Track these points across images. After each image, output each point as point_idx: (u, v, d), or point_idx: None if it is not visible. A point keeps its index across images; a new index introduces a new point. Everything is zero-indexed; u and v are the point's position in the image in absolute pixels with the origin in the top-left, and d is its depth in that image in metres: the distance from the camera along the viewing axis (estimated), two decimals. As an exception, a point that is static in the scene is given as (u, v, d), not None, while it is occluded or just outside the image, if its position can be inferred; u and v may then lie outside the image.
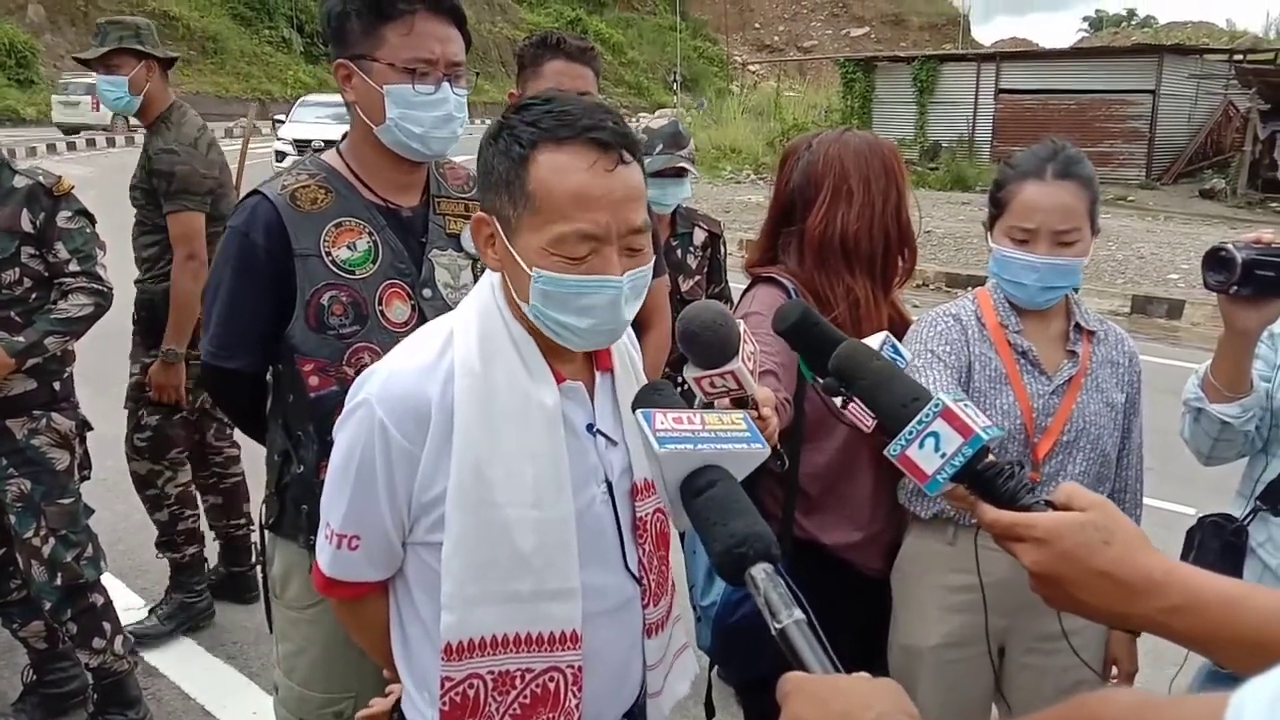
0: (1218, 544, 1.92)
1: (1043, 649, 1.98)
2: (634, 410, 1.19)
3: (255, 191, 1.86)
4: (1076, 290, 2.00)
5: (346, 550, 1.33)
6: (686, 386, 1.48)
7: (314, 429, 1.83)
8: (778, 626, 0.92)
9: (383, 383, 1.27)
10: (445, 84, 1.84)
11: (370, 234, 1.87)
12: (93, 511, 3.07)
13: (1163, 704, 0.63)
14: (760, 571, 0.97)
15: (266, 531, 2.00)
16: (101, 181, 16.55)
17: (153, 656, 3.34)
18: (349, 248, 1.84)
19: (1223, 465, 2.05)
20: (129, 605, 3.83)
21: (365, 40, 1.81)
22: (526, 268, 1.24)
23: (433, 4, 1.80)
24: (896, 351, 1.55)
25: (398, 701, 1.44)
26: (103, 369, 6.94)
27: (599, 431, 1.36)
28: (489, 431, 1.25)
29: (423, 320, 1.84)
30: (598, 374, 1.40)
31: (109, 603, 3.00)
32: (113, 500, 4.90)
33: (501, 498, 1.25)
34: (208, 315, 1.92)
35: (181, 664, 3.44)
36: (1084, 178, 1.92)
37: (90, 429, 3.06)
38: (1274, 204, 17.60)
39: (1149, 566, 0.96)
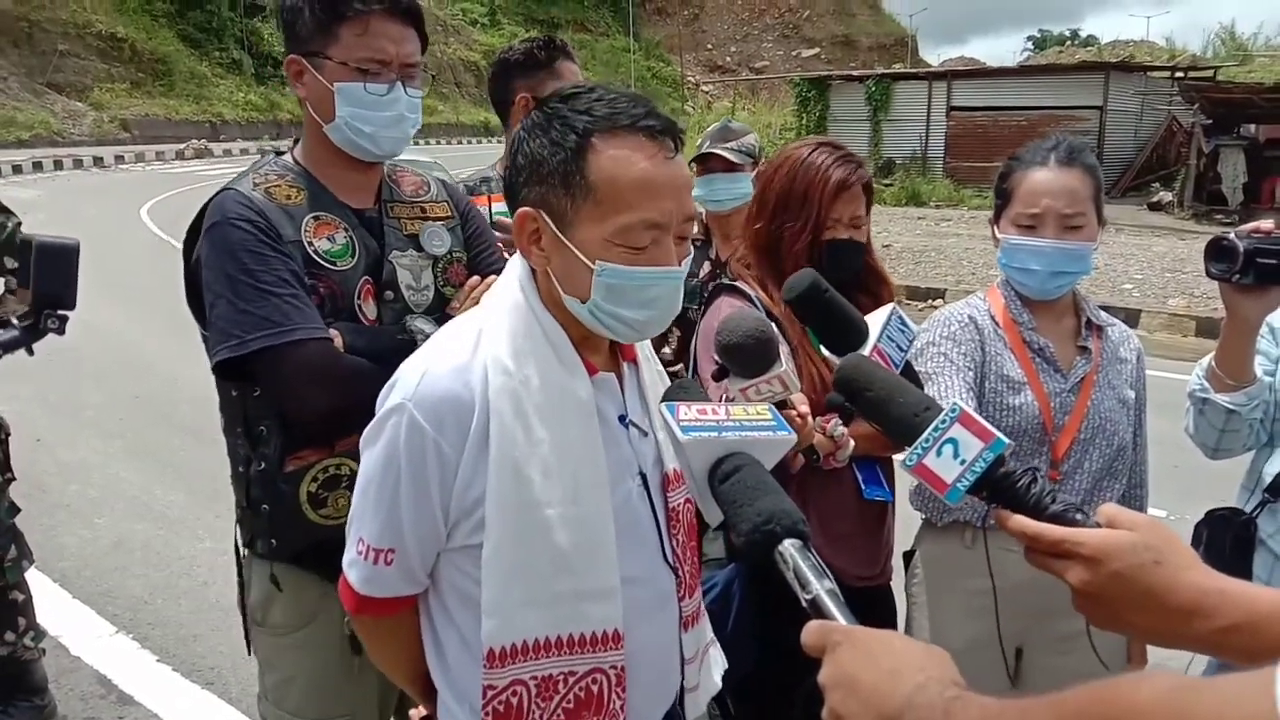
0: (1229, 537, 1.94)
1: (1060, 649, 1.98)
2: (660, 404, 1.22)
3: (227, 188, 1.79)
4: (1088, 274, 2.01)
5: (382, 566, 1.28)
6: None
7: (276, 422, 1.76)
8: (808, 597, 0.92)
9: (417, 385, 1.23)
10: (398, 85, 1.81)
11: (346, 230, 1.83)
12: (18, 511, 2.98)
13: (1200, 685, 0.60)
14: (789, 546, 0.97)
15: (243, 555, 1.92)
16: (51, 205, 16.26)
17: (127, 685, 3.23)
18: (329, 239, 1.81)
19: (1196, 465, 2.05)
20: (98, 633, 3.72)
21: (319, 37, 1.77)
22: (588, 261, 1.21)
23: (390, 4, 1.77)
24: (904, 324, 1.53)
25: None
26: (65, 391, 6.79)
27: (631, 423, 1.35)
28: (526, 429, 1.23)
29: (382, 321, 1.82)
30: (624, 364, 1.39)
31: (29, 599, 2.98)
32: (77, 525, 4.78)
33: (541, 496, 1.23)
34: (211, 312, 1.81)
35: (158, 692, 3.33)
36: (1088, 165, 1.97)
37: (8, 433, 2.95)
38: (1219, 215, 17.94)
39: (1202, 586, 0.92)
